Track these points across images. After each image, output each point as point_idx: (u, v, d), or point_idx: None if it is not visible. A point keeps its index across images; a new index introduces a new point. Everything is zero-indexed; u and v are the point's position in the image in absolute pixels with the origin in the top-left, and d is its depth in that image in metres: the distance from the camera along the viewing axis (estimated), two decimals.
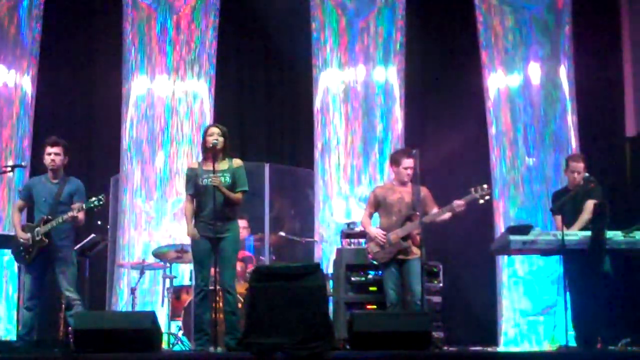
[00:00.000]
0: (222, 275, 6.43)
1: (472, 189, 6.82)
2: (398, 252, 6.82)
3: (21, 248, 6.60)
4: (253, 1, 9.35)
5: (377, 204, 7.02)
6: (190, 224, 6.53)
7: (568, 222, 6.83)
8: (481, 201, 6.84)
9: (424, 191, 6.91)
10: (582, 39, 9.15)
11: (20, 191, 7.05)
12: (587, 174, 6.97)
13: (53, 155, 6.67)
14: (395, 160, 7.04)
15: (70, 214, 6.47)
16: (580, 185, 6.96)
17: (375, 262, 7.05)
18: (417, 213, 6.75)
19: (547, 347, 8.34)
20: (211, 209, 6.35)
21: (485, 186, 6.85)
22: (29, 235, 6.57)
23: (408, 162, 6.89)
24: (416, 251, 6.79)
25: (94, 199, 6.53)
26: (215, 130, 6.56)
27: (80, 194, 6.69)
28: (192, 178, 6.53)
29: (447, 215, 6.83)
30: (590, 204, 6.85)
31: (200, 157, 6.73)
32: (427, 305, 6.93)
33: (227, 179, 6.45)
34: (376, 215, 7.14)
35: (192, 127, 8.84)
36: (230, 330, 6.36)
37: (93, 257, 7.77)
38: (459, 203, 6.75)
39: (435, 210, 6.87)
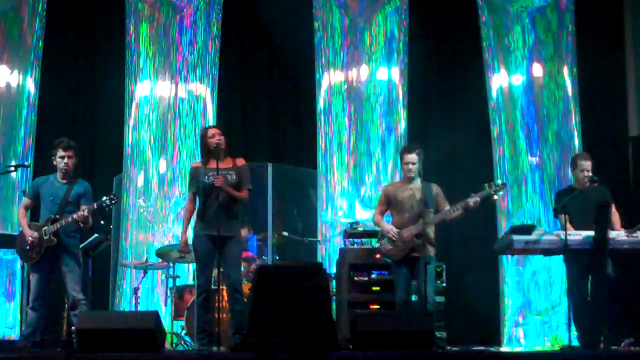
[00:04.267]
0: (230, 274, 6.44)
1: (487, 185, 6.81)
2: (411, 250, 6.78)
3: (28, 247, 6.61)
4: (256, 1, 9.36)
5: (388, 202, 6.98)
6: (185, 233, 6.55)
7: (578, 221, 6.83)
8: (495, 197, 6.83)
9: (436, 188, 6.89)
10: (585, 38, 9.14)
11: (27, 190, 7.06)
12: (590, 174, 6.98)
13: (67, 158, 6.67)
14: (400, 157, 7.06)
15: (80, 213, 6.49)
16: (587, 185, 6.96)
17: (387, 260, 6.99)
18: (431, 210, 6.73)
19: (549, 346, 8.33)
20: (216, 208, 6.36)
21: (499, 182, 6.83)
22: (37, 234, 6.59)
23: (408, 158, 6.88)
24: (430, 249, 6.77)
25: (105, 198, 6.56)
26: (215, 130, 6.59)
27: (87, 196, 6.71)
28: (196, 176, 6.54)
29: (459, 212, 6.78)
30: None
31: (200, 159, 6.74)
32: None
33: (234, 176, 6.47)
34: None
35: (194, 128, 8.85)
36: (238, 329, 6.37)
37: (96, 256, 7.78)
38: (475, 200, 6.73)
39: (447, 208, 6.86)
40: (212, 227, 6.37)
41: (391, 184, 7.39)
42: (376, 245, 7.71)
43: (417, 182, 6.90)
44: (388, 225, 6.91)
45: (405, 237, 6.77)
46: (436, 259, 6.93)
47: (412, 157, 6.85)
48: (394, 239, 6.80)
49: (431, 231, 6.81)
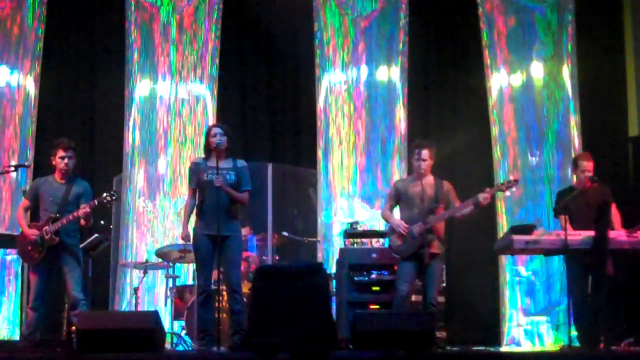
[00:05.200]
0: (230, 275, 6.44)
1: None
2: (420, 247, 6.71)
3: (30, 247, 6.61)
4: (256, 1, 9.35)
5: (398, 197, 6.93)
6: (186, 226, 6.55)
7: (578, 221, 6.83)
8: (507, 193, 6.81)
9: (447, 185, 6.86)
10: (585, 38, 9.14)
11: (26, 191, 7.06)
12: (591, 174, 6.98)
13: (67, 159, 6.68)
14: (411, 152, 7.05)
15: (82, 210, 6.50)
16: (587, 185, 6.96)
17: (396, 255, 6.90)
18: (442, 206, 6.72)
19: (549, 346, 8.33)
20: (215, 207, 6.35)
21: (511, 178, 6.81)
22: (38, 233, 6.58)
23: (419, 154, 6.85)
24: (439, 248, 6.75)
25: (105, 194, 6.57)
26: (217, 130, 6.58)
27: (87, 196, 6.72)
28: (196, 172, 6.54)
29: (468, 209, 6.73)
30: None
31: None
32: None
33: (233, 176, 6.47)
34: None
35: (194, 128, 8.85)
36: (237, 330, 6.37)
37: (96, 256, 7.78)
38: (485, 195, 6.69)
39: (457, 205, 6.82)
40: (211, 226, 6.37)
41: (402, 180, 7.36)
42: (376, 245, 7.73)
43: (429, 178, 6.87)
44: (398, 220, 6.85)
45: (415, 233, 6.74)
46: (443, 257, 6.88)
47: (425, 153, 6.82)
48: (404, 233, 6.77)
49: (441, 228, 6.79)
